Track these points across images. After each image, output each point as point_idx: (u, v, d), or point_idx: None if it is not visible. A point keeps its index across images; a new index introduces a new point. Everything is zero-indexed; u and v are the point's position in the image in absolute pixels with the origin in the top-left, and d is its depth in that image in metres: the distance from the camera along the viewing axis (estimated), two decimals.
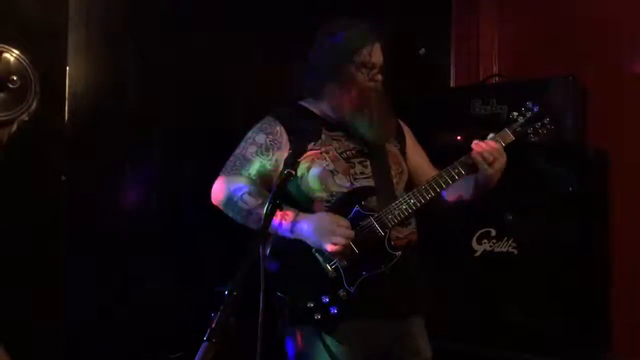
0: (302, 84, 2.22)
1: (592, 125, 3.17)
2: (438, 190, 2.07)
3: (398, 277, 2.03)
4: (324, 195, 2.07)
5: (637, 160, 3.27)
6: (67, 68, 2.35)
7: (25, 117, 2.07)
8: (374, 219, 2.02)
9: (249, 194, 2.04)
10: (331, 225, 1.95)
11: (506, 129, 2.15)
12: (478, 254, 3.07)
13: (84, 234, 2.41)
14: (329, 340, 2.00)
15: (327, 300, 1.99)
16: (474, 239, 3.08)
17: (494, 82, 3.56)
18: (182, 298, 2.66)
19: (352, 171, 2.10)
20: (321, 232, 1.95)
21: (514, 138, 2.14)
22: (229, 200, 2.06)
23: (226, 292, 1.54)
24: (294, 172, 1.79)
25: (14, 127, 2.07)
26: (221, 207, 2.10)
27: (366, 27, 2.13)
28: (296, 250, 2.01)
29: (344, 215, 2.02)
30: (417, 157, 2.31)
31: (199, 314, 1.68)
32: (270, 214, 1.74)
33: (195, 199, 2.52)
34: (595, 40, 3.43)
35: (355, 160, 2.12)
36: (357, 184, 2.08)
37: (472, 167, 2.10)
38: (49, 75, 2.25)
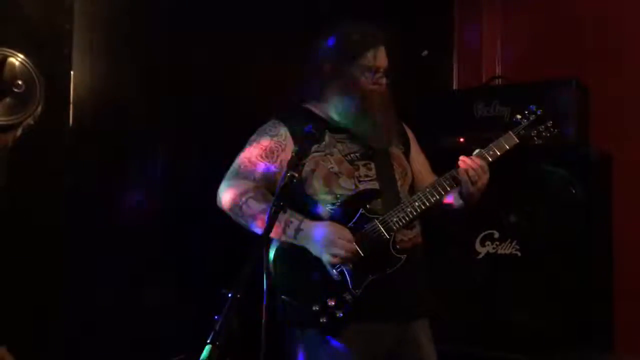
0: (306, 86, 2.22)
1: (594, 126, 3.17)
2: (443, 193, 2.08)
3: (403, 280, 2.03)
4: (328, 198, 2.07)
5: (639, 161, 3.27)
6: (72, 72, 2.36)
7: (30, 121, 2.08)
8: (379, 222, 2.02)
9: (254, 198, 2.04)
10: (334, 236, 1.96)
11: (510, 132, 2.15)
12: (481, 255, 3.07)
13: (86, 235, 2.41)
14: (334, 343, 2.00)
15: (333, 303, 1.99)
16: (477, 240, 3.08)
17: (496, 84, 3.56)
18: (185, 300, 2.66)
19: (356, 174, 2.10)
20: (323, 243, 1.96)
21: (518, 141, 2.14)
22: (234, 204, 2.06)
23: (230, 295, 1.54)
24: (297, 175, 1.79)
25: (20, 131, 2.07)
26: (226, 212, 2.10)
27: (371, 29, 2.13)
28: (301, 253, 2.01)
29: (349, 217, 2.03)
30: (417, 164, 2.31)
31: (202, 316, 1.68)
32: (274, 217, 1.74)
33: (198, 201, 2.53)
34: (598, 41, 3.43)
35: (360, 163, 2.12)
36: (362, 187, 2.08)
37: (457, 181, 2.09)
38: (54, 80, 2.25)
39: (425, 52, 3.63)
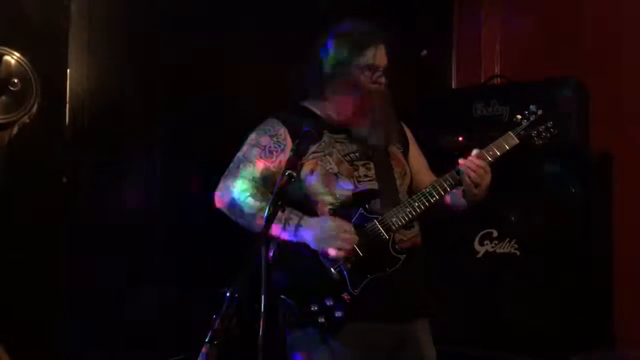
0: (305, 85, 2.21)
1: (594, 126, 3.17)
2: (442, 193, 2.07)
3: (402, 279, 2.03)
4: (327, 198, 2.06)
5: (639, 161, 3.27)
6: (68, 70, 2.35)
7: (26, 119, 2.08)
8: (378, 222, 2.02)
9: (252, 197, 2.03)
10: (335, 230, 1.95)
11: (510, 133, 2.14)
12: (480, 254, 3.07)
13: (84, 234, 2.41)
14: (332, 343, 1.99)
15: (331, 303, 1.98)
16: (476, 239, 3.08)
17: (495, 83, 3.56)
18: (184, 300, 2.66)
19: (355, 174, 2.09)
20: (325, 237, 1.95)
21: (517, 142, 2.13)
22: (233, 204, 2.05)
23: (228, 294, 1.53)
24: (295, 174, 1.78)
25: (15, 129, 2.07)
26: (225, 211, 2.09)
27: (370, 28, 2.12)
28: (300, 253, 2.00)
29: (348, 218, 2.02)
30: (416, 164, 2.30)
31: (201, 316, 1.67)
32: (272, 217, 1.73)
33: (196, 200, 2.52)
34: (598, 41, 3.42)
35: (359, 163, 2.11)
36: (361, 187, 2.08)
37: (457, 182, 2.08)
38: (50, 78, 2.25)
39: (424, 52, 3.62)
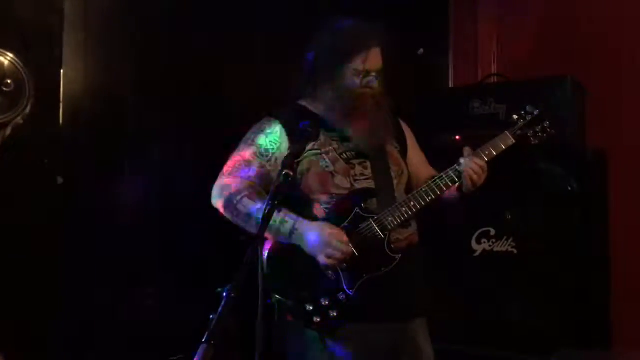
0: (300, 84, 2.20)
1: (590, 124, 3.17)
2: (439, 193, 2.06)
3: (399, 279, 2.02)
4: (323, 197, 2.05)
5: (635, 160, 3.27)
6: (62, 71, 2.34)
7: (19, 120, 2.07)
8: (373, 221, 2.01)
9: (248, 197, 2.02)
10: (330, 238, 1.94)
11: (507, 132, 2.14)
12: (477, 253, 3.06)
13: (81, 235, 2.40)
14: (328, 342, 1.99)
15: (327, 303, 1.98)
16: (473, 238, 3.07)
17: (492, 82, 3.55)
18: (182, 299, 2.65)
19: (352, 172, 2.08)
20: (319, 244, 1.95)
21: (514, 141, 2.13)
22: (229, 203, 2.05)
23: (225, 294, 1.53)
24: (292, 173, 1.77)
25: (9, 130, 2.06)
26: (221, 210, 2.09)
27: (365, 30, 2.10)
28: (295, 253, 2.00)
29: (344, 216, 2.02)
30: (416, 159, 2.30)
31: (199, 316, 1.67)
32: (268, 216, 1.72)
33: (194, 200, 2.51)
34: (594, 39, 3.42)
35: (356, 162, 2.10)
36: (358, 186, 2.07)
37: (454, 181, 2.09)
38: (44, 78, 2.24)
39: (421, 51, 3.62)
